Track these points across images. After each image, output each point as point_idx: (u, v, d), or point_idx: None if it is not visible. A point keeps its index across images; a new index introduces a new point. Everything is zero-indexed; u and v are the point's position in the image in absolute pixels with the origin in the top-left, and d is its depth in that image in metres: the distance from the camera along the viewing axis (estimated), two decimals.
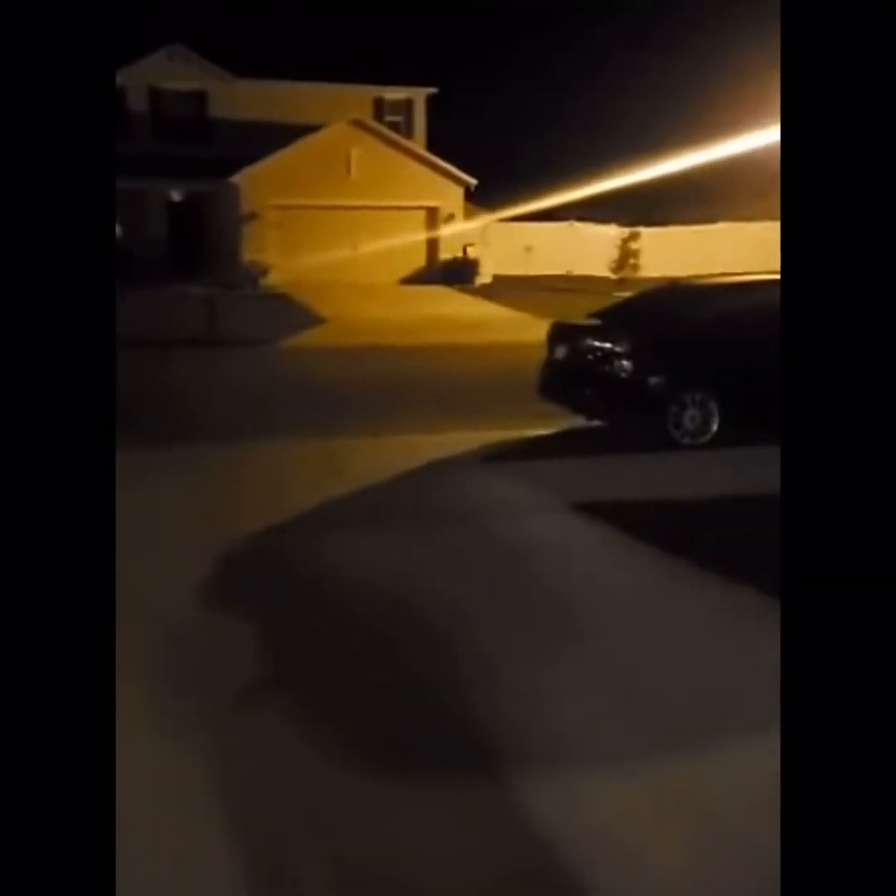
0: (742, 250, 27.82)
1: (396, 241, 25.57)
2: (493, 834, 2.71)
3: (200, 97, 26.23)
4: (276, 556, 5.02)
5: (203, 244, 25.38)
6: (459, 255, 26.42)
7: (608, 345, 7.61)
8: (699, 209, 30.62)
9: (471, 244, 26.63)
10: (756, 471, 6.67)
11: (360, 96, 26.98)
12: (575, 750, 3.14)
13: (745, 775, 2.94)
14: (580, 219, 29.61)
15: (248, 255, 24.23)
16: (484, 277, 26.17)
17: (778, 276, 10.20)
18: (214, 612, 4.29)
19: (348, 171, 25.22)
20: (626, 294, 12.52)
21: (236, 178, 24.29)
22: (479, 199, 27.49)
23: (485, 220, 27.56)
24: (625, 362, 7.48)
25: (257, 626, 4.09)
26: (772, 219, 31.18)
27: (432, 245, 26.68)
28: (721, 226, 29.84)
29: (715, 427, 7.37)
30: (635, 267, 25.26)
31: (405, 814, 2.80)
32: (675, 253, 27.12)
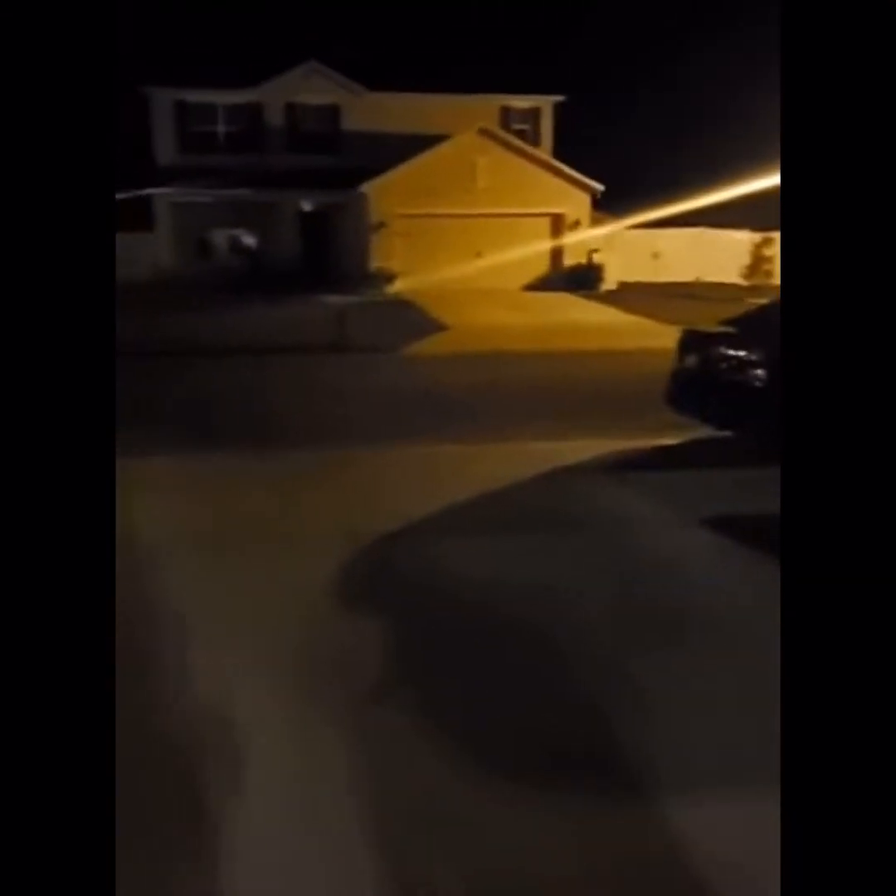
0: None
1: (521, 247, 25.56)
2: (622, 851, 2.65)
3: (334, 110, 26.98)
4: (398, 559, 5.08)
5: (333, 253, 26.10)
6: (584, 261, 26.17)
7: (742, 353, 7.35)
8: None
9: (596, 250, 26.34)
10: None
11: (487, 105, 27.15)
12: (706, 768, 3.04)
13: None
14: (710, 224, 28.80)
15: (375, 264, 24.75)
16: (609, 284, 25.82)
17: None
18: (339, 613, 4.37)
19: (475, 179, 25.40)
20: (760, 301, 12.07)
21: (365, 188, 24.86)
22: (605, 206, 27.15)
23: (611, 226, 27.19)
24: (759, 371, 7.20)
25: (381, 628, 4.14)
26: None
27: (557, 251, 26.52)
28: None
29: None
30: (769, 273, 24.37)
31: (533, 823, 2.77)
32: None
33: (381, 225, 25.08)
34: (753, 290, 22.69)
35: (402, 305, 21.24)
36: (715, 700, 3.48)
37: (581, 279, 25.51)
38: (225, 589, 4.63)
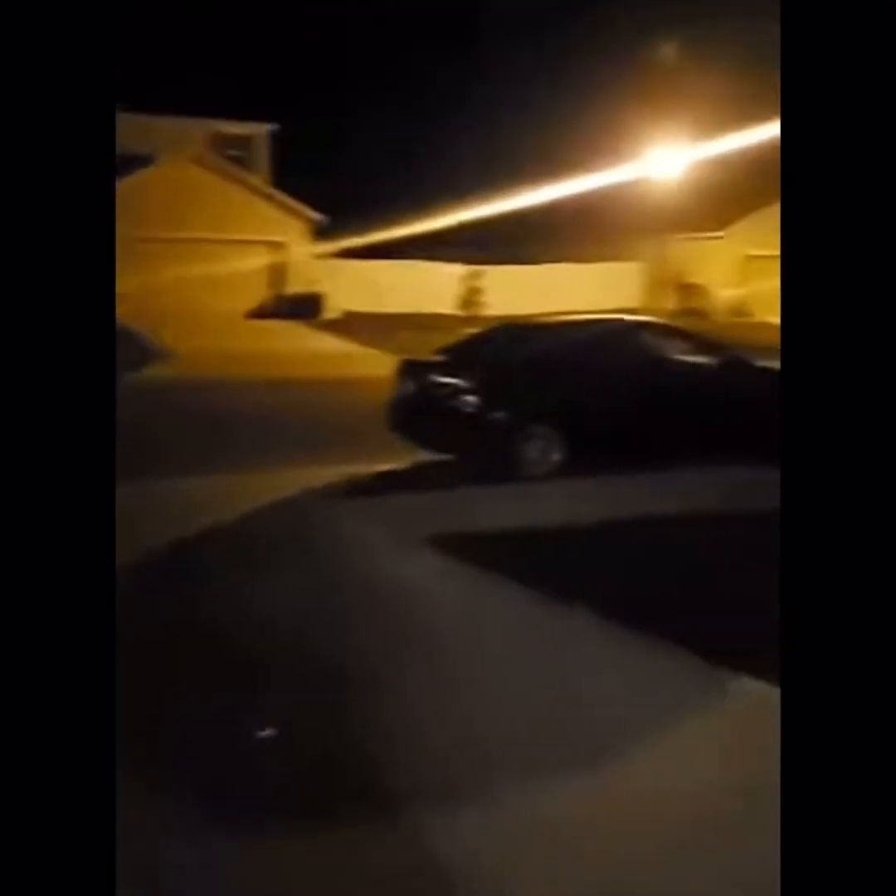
0: (582, 290, 29.20)
1: (242, 275, 25.24)
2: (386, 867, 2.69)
3: None
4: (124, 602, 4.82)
5: None
6: (306, 290, 26.37)
7: (454, 380, 7.83)
8: (542, 250, 31.92)
9: (318, 280, 26.64)
10: (598, 499, 7.01)
11: (201, 130, 26.61)
12: (433, 782, 3.13)
13: (614, 795, 3.03)
14: (427, 258, 30.22)
15: None
16: (331, 313, 26.20)
17: (614, 316, 10.81)
18: None
19: (189, 205, 24.76)
20: (472, 331, 12.88)
21: None
22: (326, 236, 27.56)
23: (332, 256, 27.67)
24: (470, 397, 7.71)
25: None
26: (611, 260, 32.90)
27: (279, 280, 26.52)
28: (559, 266, 31.23)
29: (557, 458, 7.70)
30: (481, 305, 25.98)
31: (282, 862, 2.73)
32: (518, 292, 28.14)
33: None
34: (467, 320, 24.08)
35: (122, 332, 20.10)
36: (442, 717, 3.64)
37: (303, 308, 25.64)
38: None
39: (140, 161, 24.08)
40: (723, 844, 2.73)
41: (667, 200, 25.86)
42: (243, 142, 27.87)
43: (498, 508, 6.81)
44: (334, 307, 26.43)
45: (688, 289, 28.89)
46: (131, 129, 25.09)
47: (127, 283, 23.48)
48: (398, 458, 8.34)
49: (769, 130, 22.12)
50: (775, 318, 26.01)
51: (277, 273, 26.46)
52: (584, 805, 2.98)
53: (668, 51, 28.11)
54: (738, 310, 28.21)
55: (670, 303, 27.94)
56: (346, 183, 32.86)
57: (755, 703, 3.58)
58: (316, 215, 26.55)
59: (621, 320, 9.93)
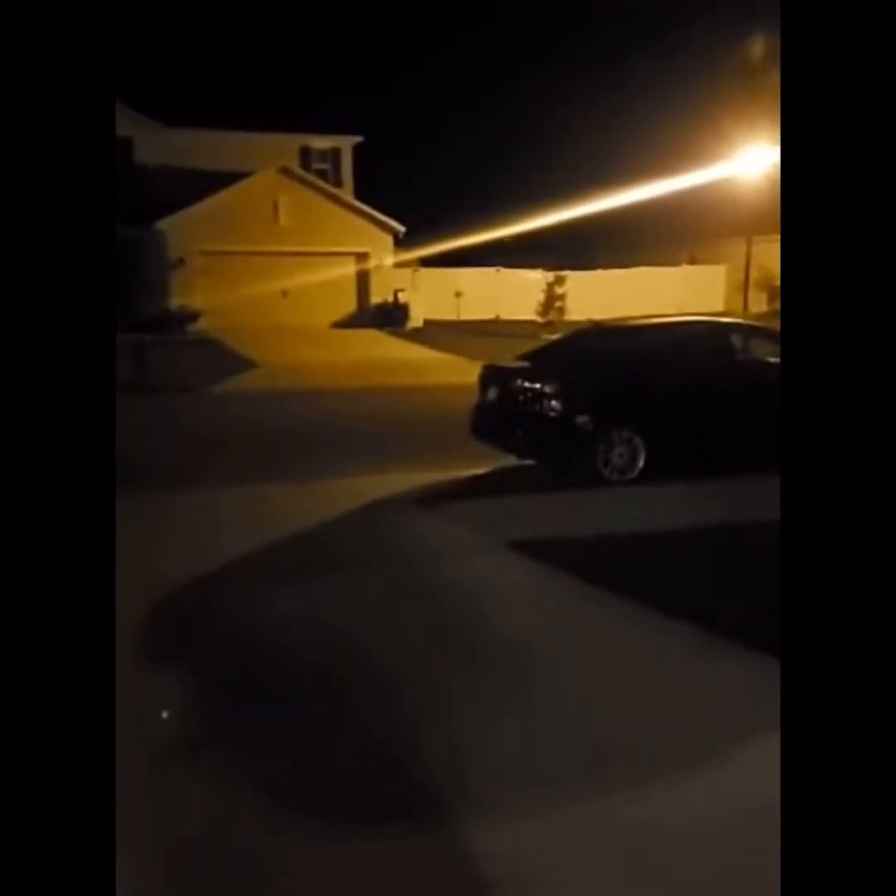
0: (660, 293, 28.79)
1: (327, 286, 25.74)
2: (443, 880, 2.69)
3: (126, 144, 26.15)
4: (208, 607, 4.93)
5: (130, 290, 25.10)
6: (390, 299, 26.73)
7: (537, 386, 7.83)
8: (619, 254, 31.60)
9: (401, 289, 26.98)
10: (684, 505, 6.91)
11: (287, 144, 27.27)
12: (520, 789, 3.11)
13: (691, 811, 2.97)
14: (507, 265, 30.27)
15: (176, 301, 24.07)
16: (415, 322, 26.47)
17: (693, 319, 10.63)
18: (141, 666, 4.11)
19: (276, 217, 25.39)
20: (554, 336, 12.85)
21: (162, 225, 24.19)
22: (407, 246, 27.91)
23: (414, 266, 28.00)
24: (553, 402, 7.69)
25: (187, 680, 3.98)
26: (686, 264, 32.34)
27: (363, 290, 26.95)
28: (640, 270, 30.85)
29: (641, 463, 7.62)
30: (561, 310, 25.87)
31: (351, 865, 2.75)
32: (598, 296, 27.90)
33: (181, 261, 24.45)
34: (548, 325, 24.01)
35: (208, 343, 20.76)
36: (529, 722, 3.64)
37: (388, 317, 26.03)
38: None
39: (239, 177, 24.92)
40: None
41: (752, 201, 25.29)
42: (330, 155, 28.45)
43: (582, 514, 6.78)
44: (418, 316, 26.72)
45: (777, 290, 28.16)
46: (227, 146, 26.00)
47: (208, 296, 24.36)
48: (481, 464, 8.38)
49: None
50: None
51: (362, 283, 26.90)
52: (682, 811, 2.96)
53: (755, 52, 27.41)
54: None
55: (760, 305, 27.29)
56: (426, 192, 33.17)
57: None
58: (399, 226, 26.89)
59: (707, 322, 9.76)
